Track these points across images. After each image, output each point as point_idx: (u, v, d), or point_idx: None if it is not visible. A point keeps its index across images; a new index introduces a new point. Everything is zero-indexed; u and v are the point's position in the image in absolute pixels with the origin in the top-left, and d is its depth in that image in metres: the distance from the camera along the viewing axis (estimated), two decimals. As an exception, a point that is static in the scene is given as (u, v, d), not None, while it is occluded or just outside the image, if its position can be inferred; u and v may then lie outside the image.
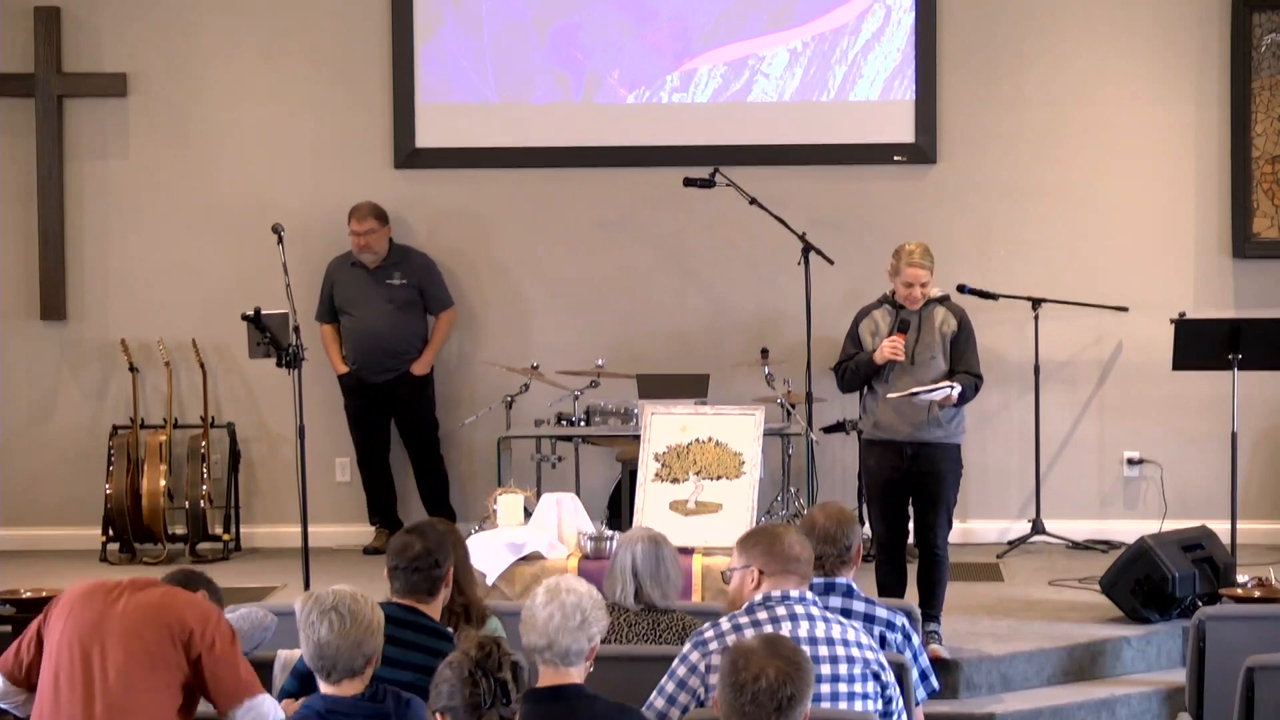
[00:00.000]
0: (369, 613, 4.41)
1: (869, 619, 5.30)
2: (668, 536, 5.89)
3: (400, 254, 9.55)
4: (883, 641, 5.28)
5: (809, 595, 4.91)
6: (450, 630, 5.18)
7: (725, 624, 4.83)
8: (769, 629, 4.70)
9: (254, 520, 9.88)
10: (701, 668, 4.76)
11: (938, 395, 7.26)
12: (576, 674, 4.34)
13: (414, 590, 5.15)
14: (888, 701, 4.84)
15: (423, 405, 9.60)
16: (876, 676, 4.82)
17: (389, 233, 9.55)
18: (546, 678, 4.30)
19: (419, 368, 9.52)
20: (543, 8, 9.76)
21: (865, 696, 4.77)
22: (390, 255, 9.53)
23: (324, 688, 4.40)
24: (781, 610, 4.81)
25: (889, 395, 7.31)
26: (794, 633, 4.71)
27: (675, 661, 4.82)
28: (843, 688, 4.73)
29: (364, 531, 9.72)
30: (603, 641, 4.45)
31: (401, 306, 9.48)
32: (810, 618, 4.81)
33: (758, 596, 4.86)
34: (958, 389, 7.27)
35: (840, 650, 4.76)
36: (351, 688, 4.37)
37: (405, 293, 9.49)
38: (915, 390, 7.25)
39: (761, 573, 4.91)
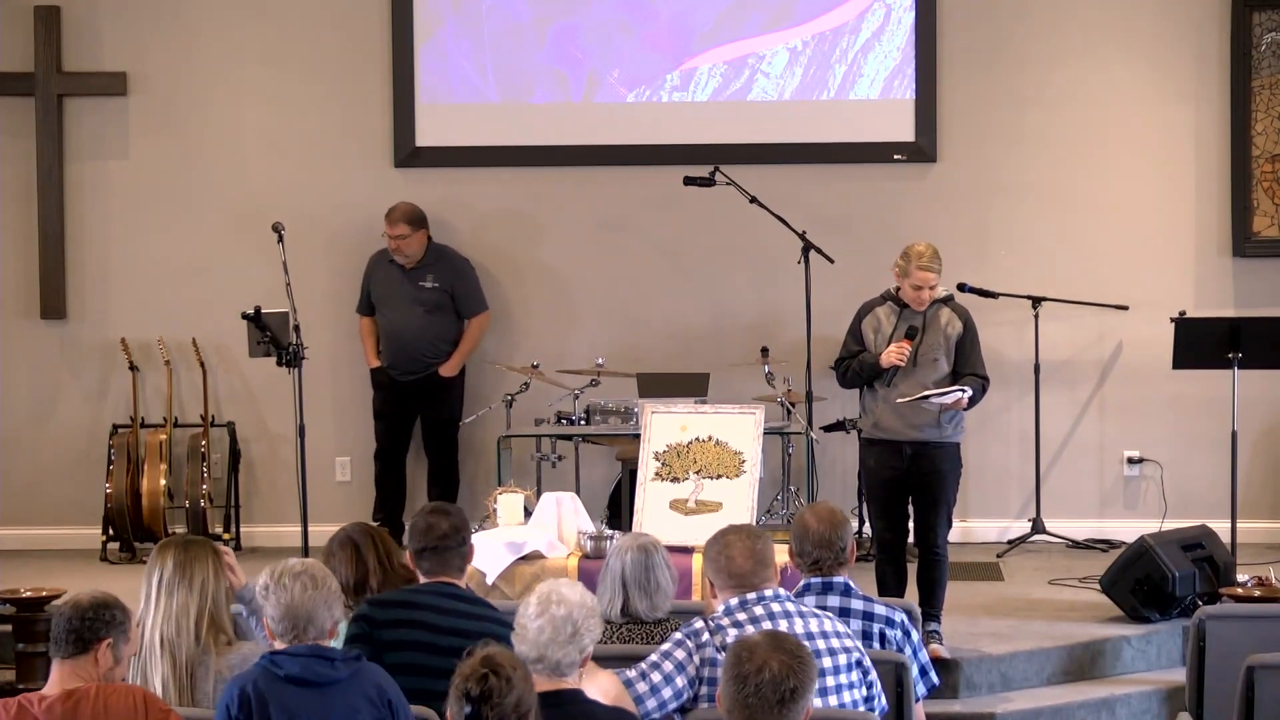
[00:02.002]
0: (333, 582, 4.58)
1: (868, 617, 5.30)
2: (668, 535, 5.87)
3: (436, 255, 9.51)
4: (882, 639, 5.29)
5: (783, 593, 4.94)
6: (488, 601, 5.24)
7: (703, 625, 4.83)
8: (749, 629, 4.72)
9: (254, 520, 9.87)
10: (697, 659, 4.77)
11: (948, 400, 7.23)
12: (571, 680, 4.34)
13: (446, 567, 5.21)
14: (869, 687, 4.89)
15: (447, 406, 9.54)
16: (859, 664, 4.86)
17: (424, 236, 9.49)
18: (541, 684, 4.30)
19: (446, 370, 9.47)
20: (543, 8, 9.76)
21: (851, 686, 4.83)
22: (426, 256, 9.49)
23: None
24: (760, 610, 4.85)
25: (898, 400, 7.29)
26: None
27: (670, 646, 4.82)
28: (830, 680, 4.77)
29: (364, 531, 9.70)
30: None
31: (431, 309, 9.44)
32: (787, 615, 4.85)
33: (734, 600, 4.88)
34: (969, 393, 7.26)
35: (821, 644, 4.80)
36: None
37: (436, 295, 9.45)
38: (926, 394, 7.23)
39: (713, 585, 4.95)
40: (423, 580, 5.23)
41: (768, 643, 3.90)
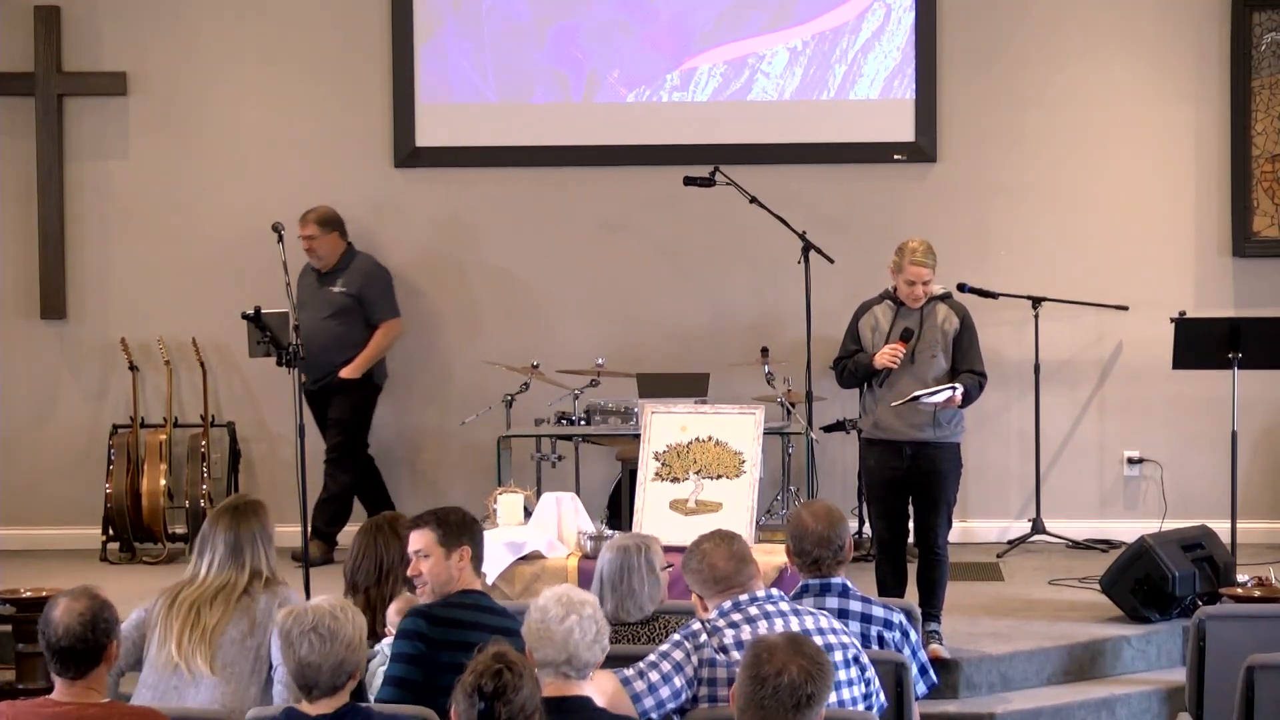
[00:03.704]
0: (349, 629, 4.36)
1: (865, 619, 5.30)
2: (668, 535, 5.86)
3: (348, 260, 9.39)
4: (880, 641, 5.29)
5: (776, 593, 4.93)
6: (504, 607, 5.19)
7: (700, 626, 4.83)
8: (746, 629, 4.72)
9: (254, 520, 9.86)
10: (695, 660, 4.76)
11: (940, 398, 7.23)
12: (580, 685, 4.33)
13: (477, 568, 5.17)
14: (867, 684, 4.89)
15: (347, 407, 9.37)
16: (856, 660, 4.86)
17: (337, 240, 9.38)
18: (552, 689, 4.27)
19: (347, 371, 9.28)
20: (543, 8, 9.76)
21: (850, 683, 4.83)
22: (340, 262, 9.38)
23: (299, 704, 4.36)
24: (754, 610, 4.85)
25: (893, 403, 7.29)
26: (770, 631, 4.70)
27: (668, 646, 4.82)
28: None
29: (364, 531, 9.69)
30: None
31: (338, 314, 9.30)
32: (783, 614, 4.85)
33: (726, 603, 4.87)
34: (960, 390, 7.25)
35: (819, 641, 4.77)
36: (329, 704, 4.33)
37: (343, 299, 9.32)
38: (917, 394, 7.23)
39: (701, 598, 4.94)
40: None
41: (788, 646, 3.88)
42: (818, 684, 3.84)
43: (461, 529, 5.14)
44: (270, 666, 5.12)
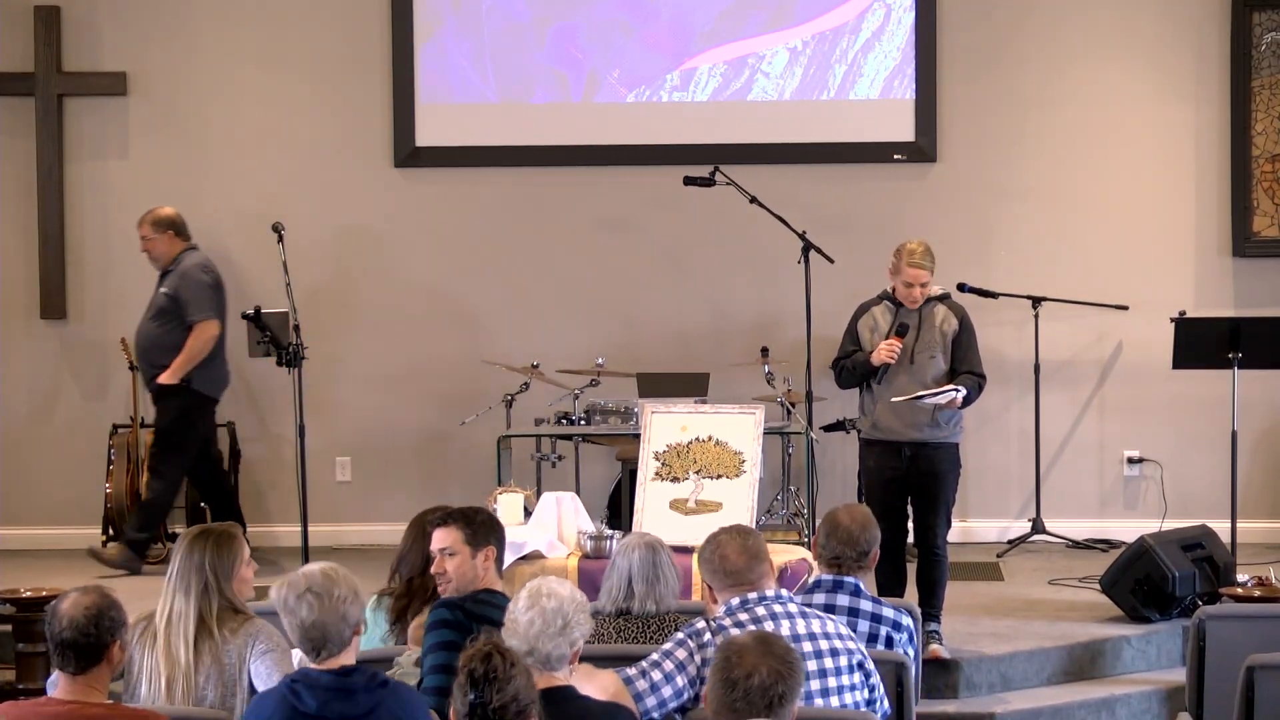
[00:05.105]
0: (343, 585, 4.46)
1: (875, 619, 5.31)
2: (668, 535, 5.89)
3: (177, 262, 9.15)
4: (889, 642, 5.29)
5: (785, 593, 4.94)
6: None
7: (705, 625, 4.84)
8: (752, 629, 4.73)
9: (254, 519, 9.81)
10: (698, 659, 4.77)
11: (942, 399, 7.24)
12: (562, 676, 4.34)
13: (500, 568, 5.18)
14: (871, 690, 4.90)
15: (164, 415, 9.14)
16: (860, 666, 4.86)
17: (169, 240, 9.14)
18: (537, 681, 4.28)
19: (163, 377, 9.03)
20: (543, 8, 9.76)
21: (853, 688, 4.83)
22: (172, 263, 9.15)
23: (310, 665, 4.43)
24: (761, 610, 4.85)
25: (893, 399, 7.29)
26: (777, 632, 4.71)
27: (671, 645, 4.83)
28: (831, 681, 4.78)
29: (365, 530, 9.72)
30: (586, 644, 4.45)
31: (158, 315, 9.08)
32: (790, 616, 4.85)
33: (734, 600, 4.88)
34: (963, 392, 7.26)
35: (824, 644, 4.80)
36: (336, 663, 4.38)
37: (165, 301, 9.09)
38: (920, 394, 7.24)
39: (711, 588, 4.94)
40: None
41: (757, 647, 3.90)
42: (788, 682, 3.85)
43: (488, 530, 5.16)
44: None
